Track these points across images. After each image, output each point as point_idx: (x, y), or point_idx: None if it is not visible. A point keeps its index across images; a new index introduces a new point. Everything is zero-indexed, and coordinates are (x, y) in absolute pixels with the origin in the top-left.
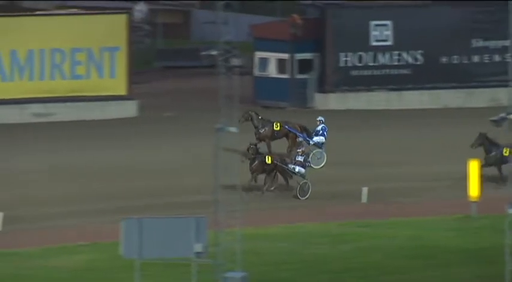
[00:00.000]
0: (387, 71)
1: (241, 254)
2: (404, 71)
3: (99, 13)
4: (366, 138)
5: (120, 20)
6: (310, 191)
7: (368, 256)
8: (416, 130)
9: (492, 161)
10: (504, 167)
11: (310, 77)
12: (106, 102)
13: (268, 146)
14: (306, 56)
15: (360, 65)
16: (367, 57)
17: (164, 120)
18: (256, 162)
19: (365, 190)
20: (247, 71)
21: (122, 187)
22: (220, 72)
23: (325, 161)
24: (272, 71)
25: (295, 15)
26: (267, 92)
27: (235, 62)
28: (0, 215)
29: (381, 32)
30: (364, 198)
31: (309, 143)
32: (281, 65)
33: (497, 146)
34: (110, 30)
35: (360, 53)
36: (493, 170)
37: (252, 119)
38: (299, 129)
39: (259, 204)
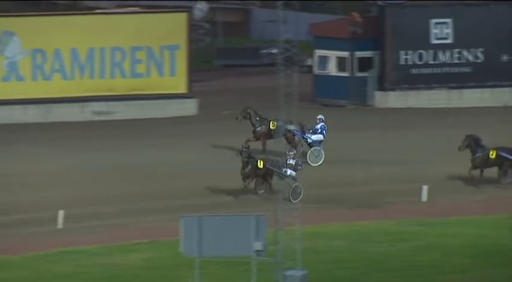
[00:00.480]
0: (447, 69)
1: (300, 252)
2: (465, 69)
3: (160, 12)
4: (426, 136)
5: (181, 18)
6: (302, 193)
7: (426, 254)
8: (475, 128)
9: (477, 162)
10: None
11: (370, 75)
12: (166, 101)
13: (263, 145)
14: (366, 54)
15: (420, 63)
16: (427, 55)
17: (223, 118)
18: (249, 167)
19: (425, 188)
20: (307, 69)
21: (182, 185)
22: (279, 70)
23: (323, 158)
24: (332, 69)
25: (355, 14)
26: (326, 90)
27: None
28: (61, 213)
29: (441, 30)
30: (424, 196)
31: (307, 141)
32: (341, 63)
33: (483, 148)
34: (170, 29)
35: (420, 51)
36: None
37: (250, 117)
38: (297, 127)
39: (318, 203)
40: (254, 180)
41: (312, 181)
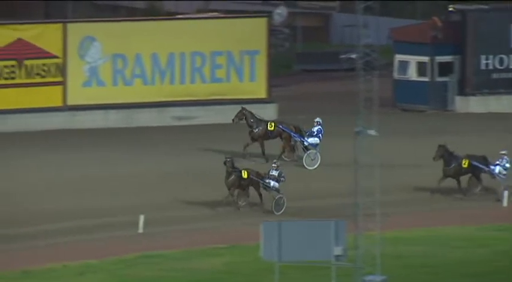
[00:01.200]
0: None
1: (380, 258)
2: None
3: (240, 17)
4: (506, 141)
5: (260, 23)
6: (285, 205)
7: (508, 260)
8: None
9: (451, 173)
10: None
11: (451, 79)
12: (246, 106)
13: (261, 146)
14: (446, 58)
15: (501, 67)
16: (508, 60)
17: (301, 123)
18: (233, 176)
19: (506, 193)
20: (386, 73)
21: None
22: (359, 75)
23: (319, 162)
24: (412, 74)
25: (435, 18)
26: (406, 95)
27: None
28: (141, 218)
29: None
30: (504, 201)
31: (303, 144)
32: (421, 67)
33: (457, 158)
34: (250, 34)
35: (501, 55)
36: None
37: (246, 118)
38: (294, 129)
39: (400, 207)
40: (237, 191)
41: (392, 186)
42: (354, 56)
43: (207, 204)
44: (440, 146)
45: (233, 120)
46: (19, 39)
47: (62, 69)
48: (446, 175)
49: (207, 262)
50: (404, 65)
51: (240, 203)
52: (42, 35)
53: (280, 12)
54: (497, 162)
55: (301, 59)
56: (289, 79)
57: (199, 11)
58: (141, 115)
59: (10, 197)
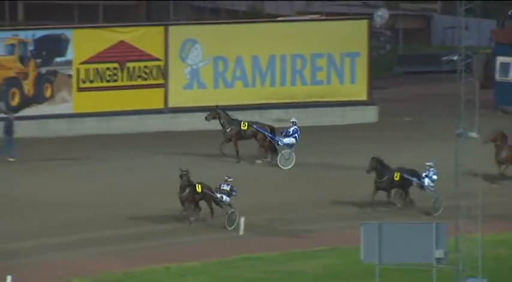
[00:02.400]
0: None
1: (482, 260)
2: None
3: (341, 19)
4: None
5: (361, 25)
6: (237, 220)
7: None
8: None
9: (383, 185)
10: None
11: None
12: (346, 108)
13: (235, 146)
14: None
15: None
16: None
17: (403, 126)
18: (188, 191)
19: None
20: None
21: (358, 192)
22: (460, 77)
23: (293, 162)
24: None
25: None
26: (508, 97)
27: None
28: (242, 220)
29: None
30: None
31: (278, 144)
32: None
33: (389, 171)
34: (351, 36)
35: None
36: None
37: (219, 118)
38: (268, 129)
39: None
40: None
41: (491, 188)
42: (455, 58)
43: (308, 207)
44: (373, 158)
45: (206, 118)
46: (121, 42)
47: (163, 72)
48: (378, 188)
49: (307, 264)
50: (506, 67)
51: (191, 218)
52: (144, 37)
53: (382, 14)
54: (424, 174)
55: (402, 61)
56: (390, 81)
57: (299, 13)
58: (242, 117)
59: (111, 197)
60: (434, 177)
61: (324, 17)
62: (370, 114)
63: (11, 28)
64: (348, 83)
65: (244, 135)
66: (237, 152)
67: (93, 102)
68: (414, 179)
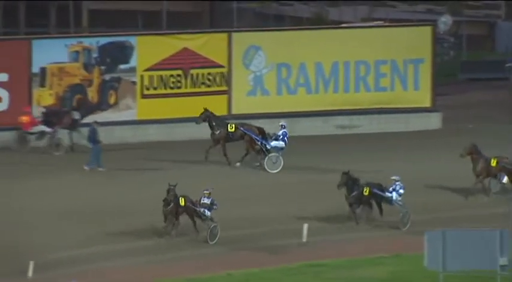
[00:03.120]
0: None
1: None
2: None
3: (404, 25)
4: None
5: (425, 32)
6: (219, 235)
7: None
8: None
9: (353, 200)
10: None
11: None
12: (410, 115)
13: (223, 149)
14: None
15: None
16: None
17: (467, 133)
18: (172, 205)
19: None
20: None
21: (425, 200)
22: None
23: (281, 165)
24: None
25: None
26: None
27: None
28: (305, 226)
29: None
30: None
31: (266, 147)
32: None
33: (359, 186)
34: (415, 42)
35: None
36: None
37: (209, 120)
38: (256, 131)
39: None
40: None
41: None
42: None
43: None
44: (344, 173)
45: (196, 122)
46: (185, 49)
47: (227, 79)
48: (349, 202)
49: (371, 271)
50: None
51: (172, 233)
52: (208, 44)
53: (445, 21)
54: (391, 188)
55: (465, 67)
56: (454, 88)
57: (363, 20)
58: (305, 124)
59: None
60: (401, 191)
61: (387, 23)
62: (433, 121)
63: (76, 35)
64: (411, 89)
65: (232, 138)
66: (225, 155)
67: (157, 109)
68: (383, 193)
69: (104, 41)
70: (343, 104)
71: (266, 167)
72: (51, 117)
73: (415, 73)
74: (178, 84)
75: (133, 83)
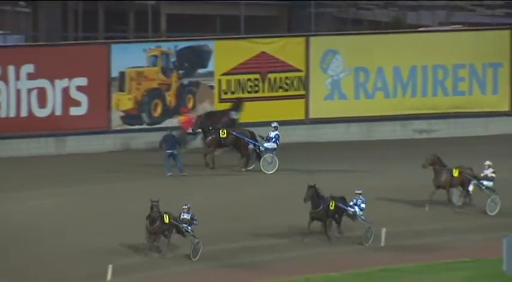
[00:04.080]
0: None
1: None
2: None
3: (483, 29)
4: None
5: (504, 35)
6: (201, 251)
7: None
8: None
9: (319, 215)
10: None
11: None
12: (489, 118)
13: (212, 154)
14: None
15: None
16: None
17: None
18: (158, 223)
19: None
20: None
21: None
22: None
23: (276, 166)
24: None
25: None
26: None
27: None
28: (383, 231)
29: None
30: None
31: (259, 149)
32: None
33: (324, 200)
34: (494, 46)
35: None
36: None
37: (203, 125)
38: (249, 135)
39: None
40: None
41: None
42: None
43: (447, 219)
44: (310, 186)
45: (192, 130)
46: (262, 53)
47: (304, 83)
48: (313, 218)
49: (448, 276)
50: None
51: (149, 251)
52: (285, 48)
53: None
54: (352, 202)
55: None
56: None
57: (441, 24)
58: (382, 128)
59: (253, 208)
60: (363, 205)
61: (466, 27)
62: None
63: (154, 39)
64: (490, 93)
65: (224, 143)
66: (213, 160)
67: None
68: (348, 208)
69: (182, 45)
70: (421, 108)
71: (262, 169)
72: (209, 118)
73: (494, 77)
74: (256, 89)
75: (211, 87)
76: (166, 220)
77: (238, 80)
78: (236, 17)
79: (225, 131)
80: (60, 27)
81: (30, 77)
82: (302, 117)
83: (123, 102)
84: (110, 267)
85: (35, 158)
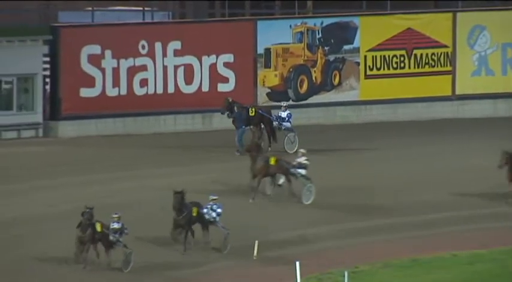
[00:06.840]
0: None
1: None
2: None
3: None
4: None
5: None
6: (132, 263)
7: None
8: None
9: (182, 222)
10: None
11: None
12: None
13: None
14: None
15: None
16: None
17: None
18: (90, 230)
19: None
20: None
21: None
22: None
23: (297, 145)
24: None
25: None
26: None
27: None
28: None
29: None
30: None
31: (280, 128)
32: None
33: (187, 207)
34: None
35: None
36: None
37: (231, 108)
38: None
39: None
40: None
41: None
42: None
43: None
44: (176, 192)
45: (222, 112)
46: (409, 29)
47: (451, 59)
48: (176, 225)
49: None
50: None
51: (86, 264)
52: (432, 24)
53: None
54: (205, 209)
55: None
56: None
57: None
58: None
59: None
60: (219, 210)
61: None
62: None
63: (300, 16)
64: None
65: (252, 121)
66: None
67: (380, 89)
68: (211, 214)
69: (328, 21)
70: None
71: (286, 148)
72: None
73: None
74: (402, 65)
75: (357, 63)
76: (99, 229)
77: (384, 56)
78: None
79: (253, 109)
80: (207, 3)
81: (177, 53)
82: (449, 93)
83: (269, 78)
84: (256, 243)
85: (182, 133)
